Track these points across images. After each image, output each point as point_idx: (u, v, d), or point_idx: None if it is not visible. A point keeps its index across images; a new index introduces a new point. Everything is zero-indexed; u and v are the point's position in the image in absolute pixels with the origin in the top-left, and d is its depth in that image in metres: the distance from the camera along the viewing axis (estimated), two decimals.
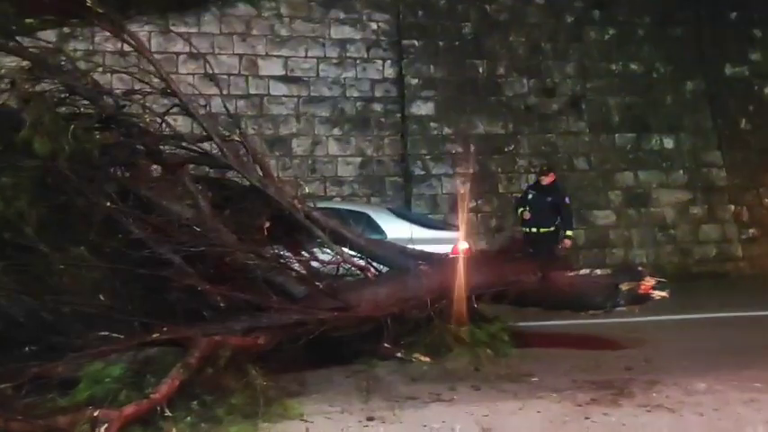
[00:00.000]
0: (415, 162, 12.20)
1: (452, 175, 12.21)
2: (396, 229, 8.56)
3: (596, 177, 12.79)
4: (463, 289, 6.05)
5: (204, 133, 6.29)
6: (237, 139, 6.46)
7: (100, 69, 8.72)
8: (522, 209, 9.63)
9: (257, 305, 5.37)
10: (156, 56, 6.74)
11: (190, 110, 6.20)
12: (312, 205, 6.59)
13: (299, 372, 5.42)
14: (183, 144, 6.37)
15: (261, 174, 6.36)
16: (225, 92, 10.96)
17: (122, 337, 4.77)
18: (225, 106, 7.25)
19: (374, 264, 6.42)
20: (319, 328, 5.30)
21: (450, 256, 7.06)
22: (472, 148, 12.27)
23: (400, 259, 6.47)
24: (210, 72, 9.52)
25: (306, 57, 12.19)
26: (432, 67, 12.48)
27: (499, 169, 12.46)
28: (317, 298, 5.67)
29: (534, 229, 9.39)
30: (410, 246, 6.87)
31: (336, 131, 12.22)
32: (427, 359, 5.90)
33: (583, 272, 6.66)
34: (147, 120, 6.22)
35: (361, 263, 6.25)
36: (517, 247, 7.57)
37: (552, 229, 9.48)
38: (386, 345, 5.82)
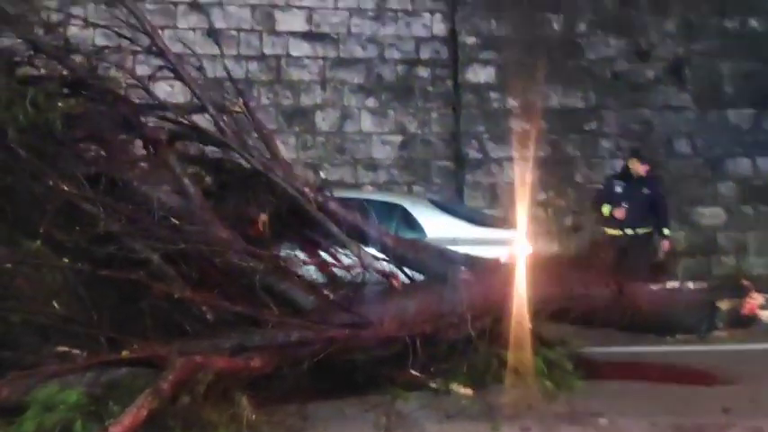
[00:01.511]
0: (469, 142, 12.18)
1: (517, 159, 12.09)
2: (438, 225, 8.56)
3: (703, 165, 12.68)
4: (516, 304, 5.98)
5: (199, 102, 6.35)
6: (239, 109, 6.48)
7: (80, 23, 8.98)
8: (608, 206, 9.58)
9: (253, 318, 5.39)
10: (148, 6, 6.83)
11: (179, 72, 6.25)
12: (329, 194, 6.58)
13: (301, 403, 5.37)
14: (173, 117, 6.43)
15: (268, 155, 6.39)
16: (234, 52, 11.10)
17: (84, 354, 4.81)
18: (225, 67, 7.27)
19: (405, 269, 6.39)
20: (327, 349, 5.29)
21: (503, 261, 6.99)
22: (543, 125, 12.15)
23: (437, 264, 6.42)
24: (213, 27, 9.59)
25: (335, 8, 12.24)
26: (493, 22, 12.41)
27: (578, 153, 12.42)
28: (327, 311, 5.67)
29: (630, 231, 9.40)
30: (454, 247, 6.82)
31: (371, 102, 12.24)
32: (468, 391, 5.85)
33: (671, 285, 6.57)
34: (126, 84, 6.28)
35: (387, 268, 6.20)
36: (604, 253, 7.54)
37: (651, 229, 9.53)
38: (413, 371, 5.78)
